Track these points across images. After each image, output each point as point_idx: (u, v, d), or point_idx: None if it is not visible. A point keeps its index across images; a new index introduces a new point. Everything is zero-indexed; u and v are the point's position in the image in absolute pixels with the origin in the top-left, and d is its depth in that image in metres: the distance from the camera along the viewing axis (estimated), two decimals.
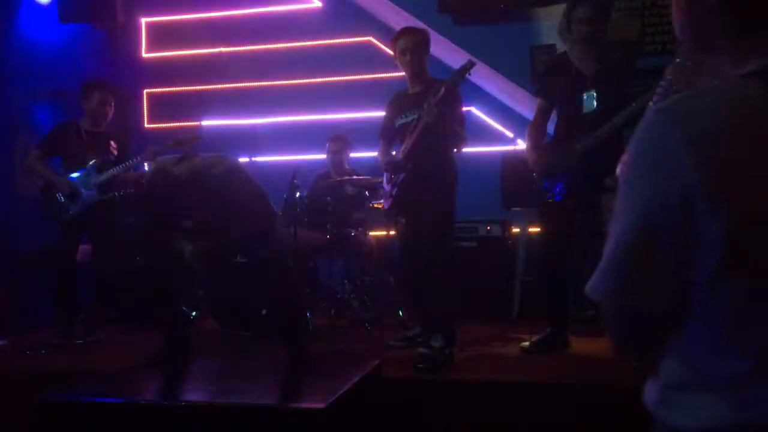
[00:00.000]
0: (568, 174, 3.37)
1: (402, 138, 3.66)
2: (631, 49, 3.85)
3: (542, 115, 3.65)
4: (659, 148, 0.86)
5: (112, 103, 4.44)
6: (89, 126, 4.38)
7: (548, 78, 3.64)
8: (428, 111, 3.35)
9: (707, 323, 0.86)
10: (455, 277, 3.61)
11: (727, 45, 0.91)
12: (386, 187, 3.78)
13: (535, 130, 3.64)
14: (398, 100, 3.77)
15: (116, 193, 4.38)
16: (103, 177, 4.27)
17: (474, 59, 3.45)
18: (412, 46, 3.60)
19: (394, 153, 3.77)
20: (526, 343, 3.61)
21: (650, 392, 0.95)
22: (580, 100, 3.38)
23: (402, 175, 3.61)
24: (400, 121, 3.68)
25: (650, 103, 2.72)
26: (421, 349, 3.27)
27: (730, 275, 0.82)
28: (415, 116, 3.53)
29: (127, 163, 4.32)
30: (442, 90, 3.35)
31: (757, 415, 0.81)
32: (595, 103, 3.35)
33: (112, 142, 4.35)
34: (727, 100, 0.86)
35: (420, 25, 4.49)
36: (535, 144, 3.59)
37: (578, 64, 3.43)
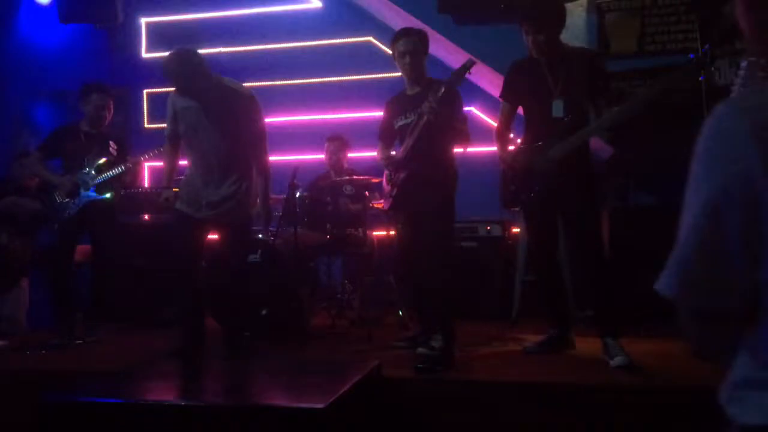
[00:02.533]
0: (544, 177, 3.35)
1: (402, 139, 3.65)
2: (600, 57, 3.72)
3: (507, 117, 3.64)
4: (725, 141, 0.85)
5: (110, 107, 4.45)
6: (88, 127, 4.39)
7: (516, 82, 3.57)
8: (429, 110, 3.34)
9: None
10: (455, 277, 3.60)
11: None
12: (386, 186, 3.77)
13: (503, 133, 3.63)
14: (397, 102, 3.75)
15: (115, 194, 4.37)
16: (102, 178, 4.27)
17: (474, 58, 3.44)
18: (412, 49, 3.59)
19: (393, 152, 3.76)
20: (530, 344, 3.61)
21: (723, 390, 0.94)
22: (550, 106, 3.34)
23: (402, 175, 3.60)
24: (399, 123, 3.67)
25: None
26: (421, 349, 3.26)
27: None
28: (415, 117, 3.52)
29: (126, 164, 4.32)
30: (442, 89, 3.34)
31: None
32: (562, 111, 3.30)
33: (111, 143, 4.35)
34: None
35: (420, 25, 4.48)
36: (505, 147, 3.59)
37: (546, 71, 3.38)
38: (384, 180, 3.81)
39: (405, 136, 3.59)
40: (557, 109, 3.32)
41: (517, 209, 4.83)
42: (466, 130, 3.58)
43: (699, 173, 0.88)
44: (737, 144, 0.83)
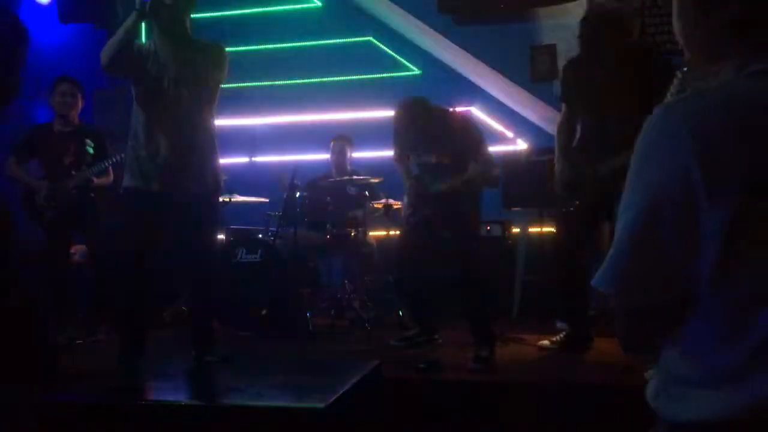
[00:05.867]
0: (589, 194, 3.32)
1: (422, 172, 3.64)
2: (659, 56, 3.48)
3: (567, 121, 3.52)
4: (665, 143, 0.88)
5: (76, 95, 4.33)
6: (61, 126, 4.31)
7: (570, 84, 3.49)
8: (477, 178, 3.40)
9: (707, 317, 0.87)
10: (484, 283, 3.58)
11: (733, 53, 0.94)
12: (405, 207, 3.77)
13: (561, 136, 3.54)
14: (412, 135, 3.60)
15: (94, 194, 4.29)
16: (80, 177, 4.21)
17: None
18: (419, 124, 3.52)
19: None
20: (546, 342, 3.62)
21: (651, 386, 0.96)
22: (600, 111, 3.24)
23: (428, 212, 3.58)
24: (418, 160, 3.63)
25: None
26: (473, 365, 3.23)
27: (729, 270, 0.83)
28: (434, 159, 3.52)
29: (105, 162, 4.26)
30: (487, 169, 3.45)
31: (752, 405, 0.82)
32: (614, 120, 3.13)
33: (87, 141, 4.26)
34: (731, 98, 0.88)
35: (420, 25, 4.48)
36: (563, 151, 3.49)
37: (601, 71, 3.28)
38: (405, 202, 3.79)
39: (426, 173, 3.58)
40: (608, 117, 3.19)
41: (518, 209, 4.86)
42: (497, 175, 3.66)
43: (640, 172, 0.91)
44: (678, 145, 0.86)
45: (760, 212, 0.81)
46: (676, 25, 1.00)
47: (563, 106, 3.56)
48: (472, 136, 3.51)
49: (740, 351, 0.84)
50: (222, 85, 3.20)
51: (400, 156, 3.76)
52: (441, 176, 3.50)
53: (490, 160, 3.52)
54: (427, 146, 3.54)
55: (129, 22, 2.97)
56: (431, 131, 3.51)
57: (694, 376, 0.88)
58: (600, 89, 3.25)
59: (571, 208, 3.41)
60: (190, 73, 3.05)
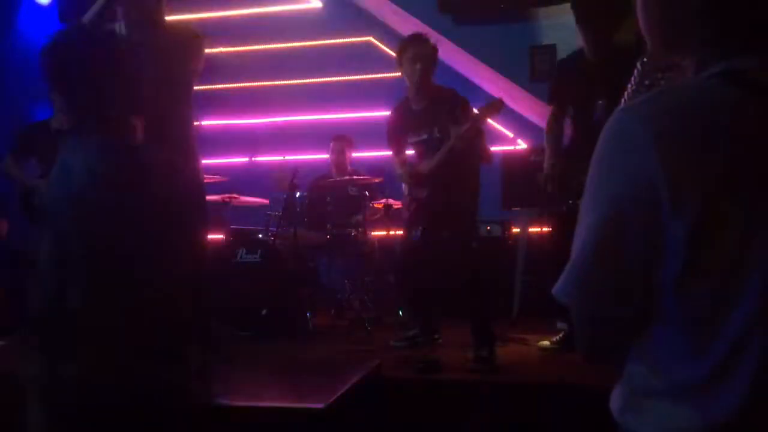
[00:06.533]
0: (577, 191, 3.29)
1: (420, 154, 3.63)
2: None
3: (556, 120, 3.53)
4: (625, 147, 0.85)
5: None
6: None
7: (563, 82, 3.49)
8: (460, 140, 3.28)
9: (672, 328, 0.85)
10: (485, 290, 3.56)
11: (696, 48, 0.92)
12: (405, 199, 3.75)
13: (550, 135, 3.54)
14: (404, 116, 3.66)
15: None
16: None
17: (503, 101, 3.38)
18: (423, 57, 3.52)
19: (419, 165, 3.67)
20: (546, 342, 3.62)
21: (616, 399, 0.93)
22: (591, 109, 3.22)
23: (425, 193, 3.56)
24: (412, 140, 3.62)
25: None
26: (473, 365, 3.23)
27: (693, 278, 0.81)
28: (427, 135, 3.51)
29: None
30: (467, 125, 3.28)
31: (719, 419, 0.81)
32: (601, 116, 3.12)
33: None
34: (692, 100, 0.86)
35: (420, 25, 4.48)
36: (554, 152, 3.48)
37: (593, 68, 3.27)
38: (405, 191, 3.77)
39: (423, 153, 3.58)
40: (597, 113, 3.17)
41: (518, 209, 4.86)
42: (490, 153, 3.58)
43: (599, 178, 0.88)
44: (640, 150, 0.83)
45: (722, 220, 0.80)
46: (639, 16, 0.98)
47: (552, 107, 3.57)
48: (456, 103, 3.48)
49: (705, 363, 0.81)
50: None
51: (396, 140, 3.73)
52: (434, 154, 3.49)
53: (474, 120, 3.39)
54: (421, 123, 3.56)
55: (98, 4, 2.88)
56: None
57: (660, 388, 0.86)
58: (596, 89, 3.25)
59: (564, 208, 3.40)
60: (164, 60, 2.91)
